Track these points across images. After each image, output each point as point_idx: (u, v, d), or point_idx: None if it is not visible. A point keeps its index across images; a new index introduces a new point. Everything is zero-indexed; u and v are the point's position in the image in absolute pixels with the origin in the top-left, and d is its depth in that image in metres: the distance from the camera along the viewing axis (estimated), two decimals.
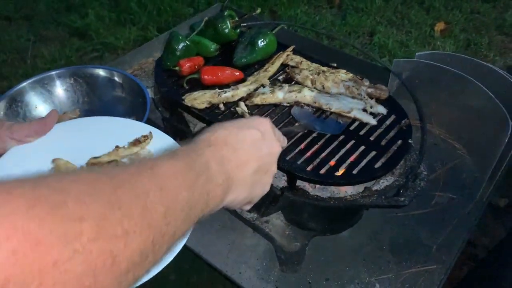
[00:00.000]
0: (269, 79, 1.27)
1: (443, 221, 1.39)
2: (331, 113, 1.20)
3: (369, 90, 1.33)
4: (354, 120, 1.15)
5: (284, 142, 0.76)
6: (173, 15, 3.73)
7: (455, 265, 1.30)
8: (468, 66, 1.60)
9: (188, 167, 0.50)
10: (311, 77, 1.31)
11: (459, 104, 1.56)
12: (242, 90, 1.31)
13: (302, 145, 1.11)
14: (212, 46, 1.46)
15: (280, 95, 1.18)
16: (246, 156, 0.61)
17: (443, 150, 1.68)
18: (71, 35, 3.61)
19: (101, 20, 3.65)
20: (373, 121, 1.15)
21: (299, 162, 1.04)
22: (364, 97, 1.25)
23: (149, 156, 0.80)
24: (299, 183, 1.06)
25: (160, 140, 0.84)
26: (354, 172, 1.03)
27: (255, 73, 1.40)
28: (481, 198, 1.47)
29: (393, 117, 1.20)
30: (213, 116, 1.19)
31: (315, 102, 1.19)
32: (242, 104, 1.30)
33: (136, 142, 0.81)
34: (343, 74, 1.37)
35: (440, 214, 1.43)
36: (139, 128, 0.85)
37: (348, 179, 1.03)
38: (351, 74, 1.38)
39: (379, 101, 1.32)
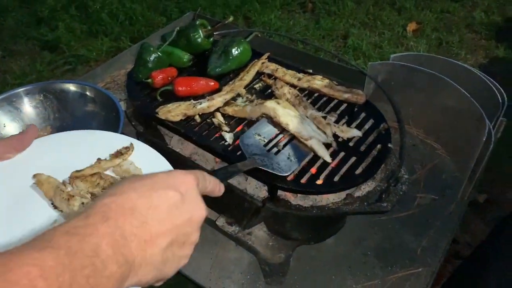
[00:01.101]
0: (245, 88, 1.24)
1: (426, 223, 1.39)
2: (285, 145, 1.10)
3: (346, 96, 1.32)
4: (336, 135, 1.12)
5: (221, 190, 0.63)
6: (145, 25, 3.67)
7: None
8: (442, 66, 1.60)
9: (66, 259, 0.38)
10: (288, 96, 1.29)
11: (436, 104, 1.45)
12: (218, 101, 1.28)
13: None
14: (185, 57, 1.42)
15: (248, 109, 1.14)
16: (158, 227, 0.48)
17: (422, 151, 1.68)
18: (42, 48, 3.52)
19: (72, 32, 3.57)
20: (328, 158, 1.08)
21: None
22: (330, 136, 1.14)
23: (132, 168, 0.77)
24: (281, 192, 1.03)
25: (142, 151, 0.82)
26: (335, 179, 1.01)
27: (231, 82, 1.37)
28: (462, 198, 1.46)
29: (371, 121, 1.19)
30: (189, 128, 1.16)
31: (275, 117, 1.12)
32: (218, 115, 1.27)
33: (118, 154, 0.79)
34: (318, 81, 1.35)
35: (423, 215, 1.42)
36: (119, 140, 0.83)
37: (329, 187, 1.01)
38: (327, 80, 1.37)
39: (357, 106, 1.30)
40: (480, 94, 1.46)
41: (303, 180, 1.01)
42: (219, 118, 1.25)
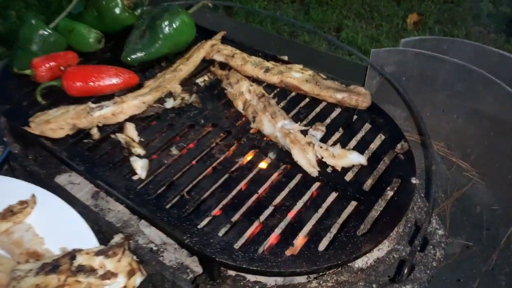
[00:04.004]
0: (181, 84, 0.75)
1: (459, 285, 0.94)
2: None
3: (340, 96, 0.83)
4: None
5: None
6: None
7: None
8: (473, 54, 1.15)
9: None
10: (247, 96, 0.80)
11: (465, 109, 1.15)
12: (130, 104, 0.79)
13: (225, 200, 0.71)
14: (92, 36, 0.93)
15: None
16: None
17: (444, 172, 1.21)
18: None
19: None
20: (315, 172, 0.72)
21: (220, 234, 0.65)
22: (312, 164, 0.73)
23: (28, 238, 0.64)
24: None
25: (49, 207, 0.68)
26: (320, 248, 0.52)
27: (159, 74, 0.87)
28: (508, 244, 1.01)
29: (380, 137, 0.71)
30: (75, 151, 0.68)
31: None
32: (129, 127, 0.77)
33: (7, 214, 0.63)
34: (297, 73, 0.87)
35: (453, 271, 0.98)
36: (9, 187, 0.70)
37: (308, 264, 0.53)
38: (310, 72, 0.88)
39: (356, 112, 0.82)
40: None
41: (262, 250, 0.55)
42: (128, 133, 0.76)
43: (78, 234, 0.67)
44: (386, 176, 0.73)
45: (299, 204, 0.69)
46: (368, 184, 0.73)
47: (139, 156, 0.74)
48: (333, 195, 0.71)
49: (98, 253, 0.62)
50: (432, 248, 0.70)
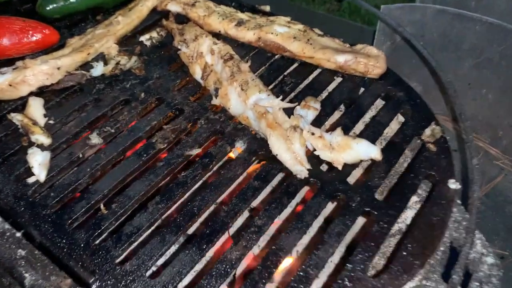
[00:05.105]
0: (119, 43, 0.62)
1: None
2: None
3: (343, 59, 0.58)
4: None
5: None
6: None
7: None
8: (510, 10, 0.93)
9: None
10: (208, 60, 0.56)
11: (496, 80, 0.94)
12: (38, 71, 0.54)
13: (164, 216, 0.49)
14: None
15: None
16: None
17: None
18: None
19: None
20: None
21: (147, 274, 0.42)
22: (301, 160, 0.48)
23: None
24: None
25: None
26: None
27: (89, 29, 0.62)
28: None
29: (398, 119, 0.45)
30: None
31: None
32: (34, 104, 0.53)
33: None
34: (280, 28, 0.62)
35: None
36: None
37: None
38: (299, 26, 0.63)
39: (364, 81, 0.58)
40: None
41: None
42: (30, 113, 0.51)
43: None
44: (410, 177, 0.48)
45: (277, 222, 0.45)
46: (383, 190, 0.48)
47: (41, 147, 0.50)
48: (330, 206, 0.46)
49: None
50: (479, 285, 0.46)
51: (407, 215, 0.48)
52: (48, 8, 0.65)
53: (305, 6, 2.26)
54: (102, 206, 0.45)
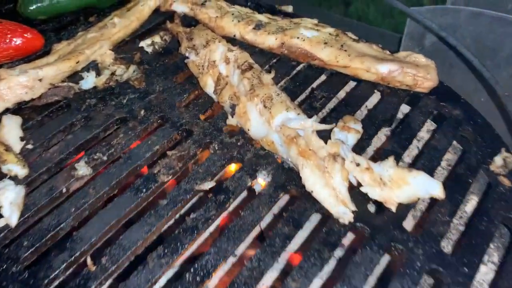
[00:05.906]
0: (114, 49, 0.55)
1: None
2: None
3: (386, 70, 0.48)
4: None
5: None
6: None
7: None
8: None
9: None
10: (223, 70, 0.47)
11: None
12: (14, 83, 0.44)
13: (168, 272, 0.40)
14: None
15: None
16: None
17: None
18: None
19: None
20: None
21: None
22: (343, 198, 0.37)
23: None
24: None
25: None
26: None
27: (80, 33, 0.53)
28: None
29: (454, 145, 0.34)
30: None
31: None
32: (9, 123, 0.43)
33: None
34: (307, 31, 0.52)
35: None
36: None
37: None
38: (330, 28, 0.53)
39: (409, 97, 0.48)
40: None
41: None
42: (3, 136, 0.41)
43: None
44: (483, 221, 0.38)
45: (317, 283, 0.35)
46: (449, 239, 0.38)
47: (14, 179, 0.40)
48: (384, 261, 0.36)
49: None
50: None
51: (484, 276, 0.37)
52: (31, 8, 0.54)
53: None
54: (89, 260, 0.35)
